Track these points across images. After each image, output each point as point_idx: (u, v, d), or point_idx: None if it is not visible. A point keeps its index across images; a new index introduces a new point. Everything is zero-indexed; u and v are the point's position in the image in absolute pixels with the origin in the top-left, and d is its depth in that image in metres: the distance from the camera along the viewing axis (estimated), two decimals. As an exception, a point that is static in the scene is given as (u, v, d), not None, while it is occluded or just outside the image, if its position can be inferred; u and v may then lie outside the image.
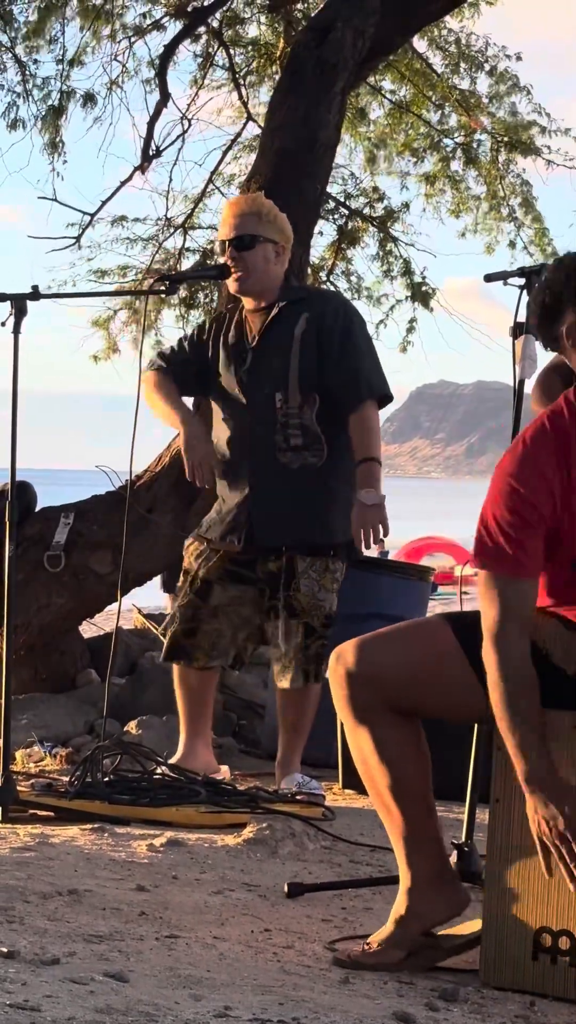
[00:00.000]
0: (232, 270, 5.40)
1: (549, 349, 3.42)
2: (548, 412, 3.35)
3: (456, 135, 11.20)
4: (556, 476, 3.26)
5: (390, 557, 22.25)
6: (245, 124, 10.43)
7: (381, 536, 5.33)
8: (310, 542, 5.40)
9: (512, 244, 11.61)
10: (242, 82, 10.24)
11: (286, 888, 4.04)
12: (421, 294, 11.43)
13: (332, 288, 10.91)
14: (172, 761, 5.43)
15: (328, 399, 5.37)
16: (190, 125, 10.27)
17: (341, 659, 3.43)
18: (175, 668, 5.61)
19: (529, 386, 4.26)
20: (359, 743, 3.44)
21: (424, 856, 3.46)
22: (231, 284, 5.47)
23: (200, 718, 5.59)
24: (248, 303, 5.51)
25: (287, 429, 5.37)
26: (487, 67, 11.09)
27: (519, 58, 11.22)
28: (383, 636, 3.45)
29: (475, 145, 11.22)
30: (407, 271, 11.45)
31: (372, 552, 6.22)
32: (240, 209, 5.48)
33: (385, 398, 5.46)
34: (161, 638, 6.31)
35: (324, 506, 5.40)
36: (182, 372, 5.57)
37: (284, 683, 5.40)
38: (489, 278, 4.16)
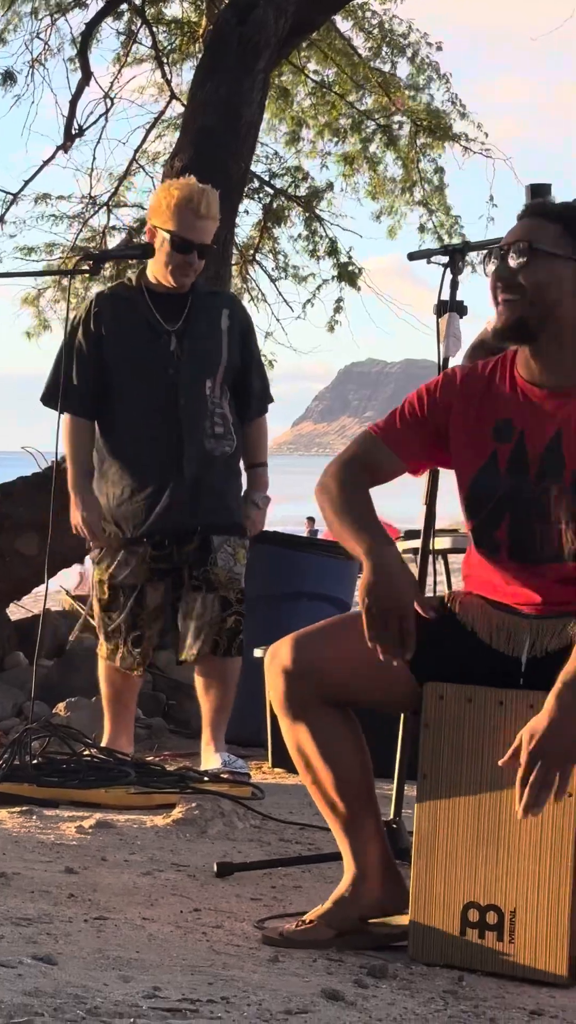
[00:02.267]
0: (180, 274, 5.39)
1: None
2: (500, 356, 3.48)
3: (377, 117, 11.22)
4: (467, 401, 3.42)
5: (320, 535, 22.30)
6: (168, 102, 10.40)
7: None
8: (227, 522, 5.52)
9: (422, 228, 11.65)
10: (165, 60, 10.20)
11: (215, 868, 4.04)
12: (348, 274, 11.45)
13: (259, 267, 10.89)
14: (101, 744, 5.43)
15: (236, 396, 5.58)
16: (113, 103, 10.22)
17: (277, 656, 3.42)
18: (103, 662, 5.60)
19: (454, 363, 4.28)
20: (298, 740, 3.44)
21: (368, 849, 3.48)
22: (174, 280, 5.41)
23: (124, 711, 5.62)
24: (159, 287, 5.48)
25: (213, 416, 5.45)
26: (409, 52, 11.11)
27: (439, 48, 11.25)
28: (317, 631, 3.46)
29: (396, 127, 11.25)
30: (333, 251, 11.46)
31: (302, 530, 6.30)
32: (211, 213, 5.44)
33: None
34: (90, 620, 6.30)
35: (236, 490, 5.61)
36: (90, 402, 5.54)
37: (193, 651, 5.42)
38: (412, 256, 4.16)
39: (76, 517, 5.54)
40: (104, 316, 5.48)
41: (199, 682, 5.50)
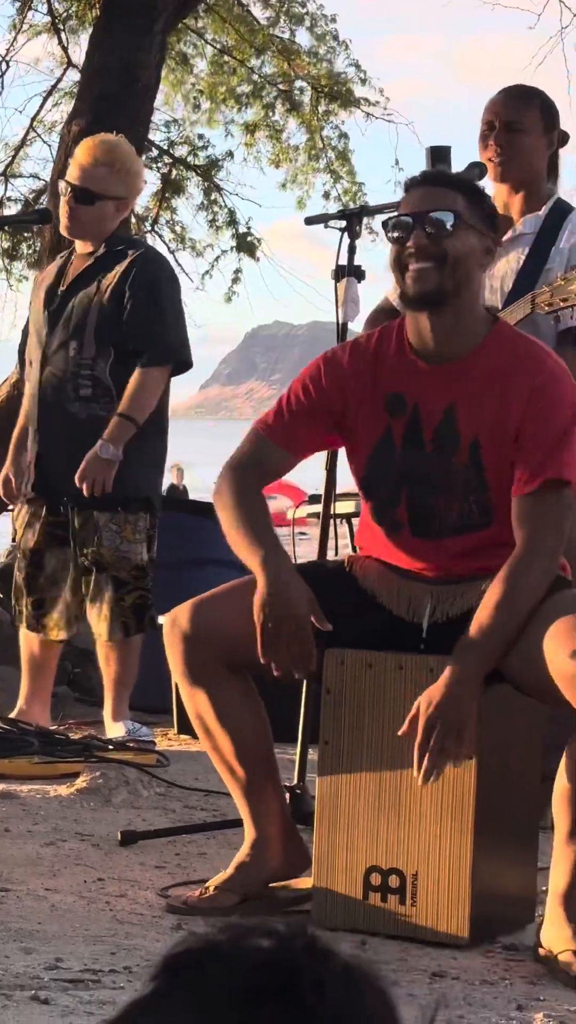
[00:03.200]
0: (64, 216, 5.31)
1: None
2: (384, 327, 3.47)
3: (278, 82, 11.17)
4: (359, 379, 3.39)
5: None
6: (65, 70, 10.28)
7: (98, 493, 5.21)
8: (111, 496, 5.26)
9: (327, 195, 11.62)
10: (62, 27, 10.08)
11: (119, 836, 4.03)
12: (246, 244, 11.40)
13: (156, 239, 10.82)
14: (11, 716, 5.38)
15: (123, 353, 5.27)
16: (7, 68, 10.09)
17: (176, 622, 3.41)
18: (22, 631, 5.56)
19: (353, 328, 4.27)
20: (197, 706, 3.43)
21: (268, 813, 3.49)
22: (62, 221, 5.37)
23: (41, 680, 5.56)
24: (79, 247, 5.43)
25: (77, 379, 5.26)
26: (307, 22, 11.07)
27: (334, 20, 11.22)
28: (217, 596, 3.45)
29: (297, 93, 11.21)
30: (232, 221, 11.40)
31: (209, 496, 6.16)
32: (94, 157, 5.31)
33: (183, 364, 5.39)
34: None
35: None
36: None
37: (103, 636, 5.37)
38: (310, 221, 4.15)
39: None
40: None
41: (100, 652, 5.47)
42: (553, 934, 3.15)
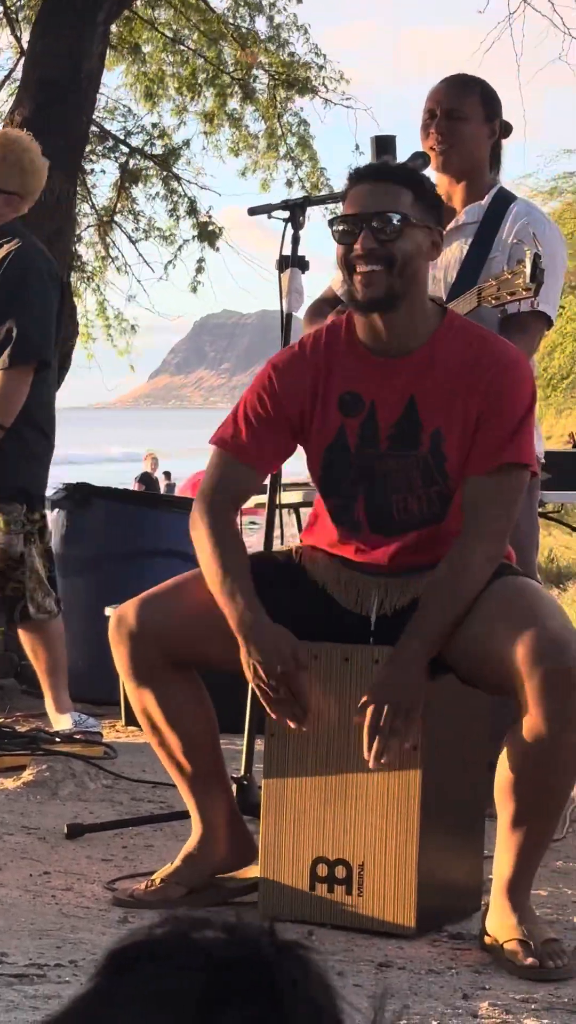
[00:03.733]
0: None
1: None
2: (330, 323, 3.45)
3: (233, 71, 11.13)
4: (312, 381, 3.36)
5: (177, 489, 22.22)
6: (19, 61, 10.22)
7: None
8: None
9: (289, 183, 11.61)
10: (15, 18, 10.02)
11: (66, 829, 4.02)
12: (208, 233, 11.38)
13: (119, 229, 10.79)
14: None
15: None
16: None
17: (122, 620, 3.40)
18: None
19: (298, 319, 4.26)
20: (144, 703, 3.43)
21: (215, 807, 3.49)
22: None
23: None
24: None
25: None
26: (267, 10, 11.04)
27: (300, 0, 11.19)
28: (161, 593, 3.44)
29: (252, 82, 11.18)
30: (193, 210, 11.38)
31: (160, 486, 6.13)
32: None
33: (43, 364, 5.26)
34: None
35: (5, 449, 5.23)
36: None
37: None
38: (253, 211, 4.13)
39: None
40: None
41: (26, 649, 5.45)
42: (498, 922, 3.16)
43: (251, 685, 3.29)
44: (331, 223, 3.35)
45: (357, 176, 3.35)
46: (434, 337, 3.32)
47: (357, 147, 11.50)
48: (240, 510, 3.48)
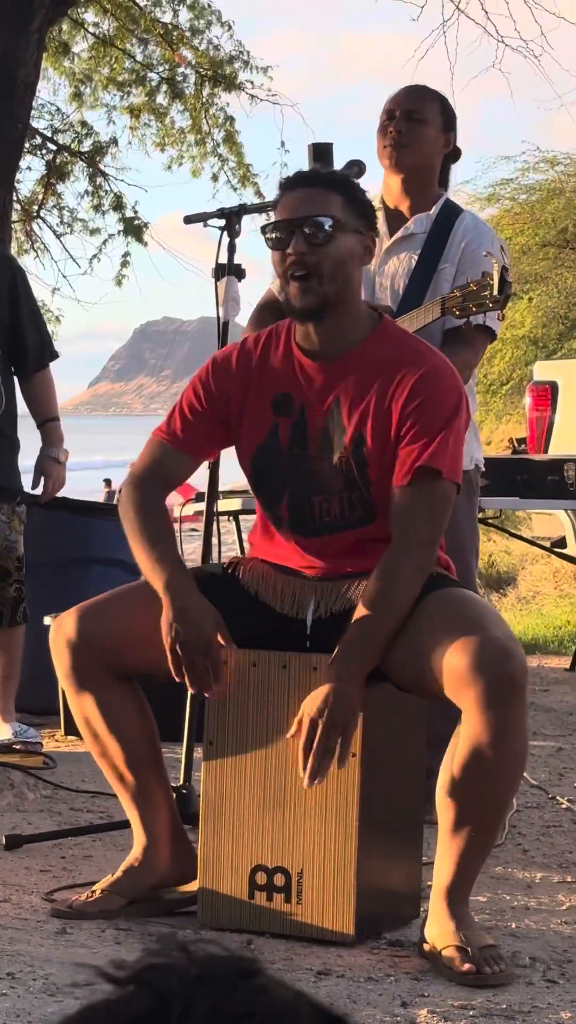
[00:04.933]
0: None
1: None
2: (272, 328, 3.46)
3: (160, 69, 11.14)
4: (247, 379, 3.39)
5: (117, 497, 22.12)
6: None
7: (57, 493, 5.55)
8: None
9: (215, 177, 11.62)
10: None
11: (3, 840, 4.00)
12: (133, 228, 11.38)
13: (43, 223, 10.76)
14: None
15: (12, 354, 5.30)
16: None
17: (61, 628, 3.40)
18: None
19: (239, 323, 4.27)
20: (84, 711, 3.42)
21: (157, 817, 3.48)
22: None
23: None
24: None
25: None
26: (188, 1, 11.05)
27: (213, -1, 11.22)
28: (102, 602, 3.44)
29: (180, 79, 11.19)
30: (119, 205, 11.37)
31: (100, 494, 6.15)
32: None
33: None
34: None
35: (6, 453, 5.33)
36: None
37: None
38: (189, 220, 4.12)
39: None
40: None
41: None
42: (437, 929, 3.17)
43: (171, 646, 3.27)
44: (264, 229, 3.36)
45: (288, 183, 3.37)
46: (365, 342, 3.33)
47: (283, 144, 11.54)
48: (180, 518, 3.50)
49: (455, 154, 4.43)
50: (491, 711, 3.06)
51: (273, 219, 3.36)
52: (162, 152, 11.47)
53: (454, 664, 3.08)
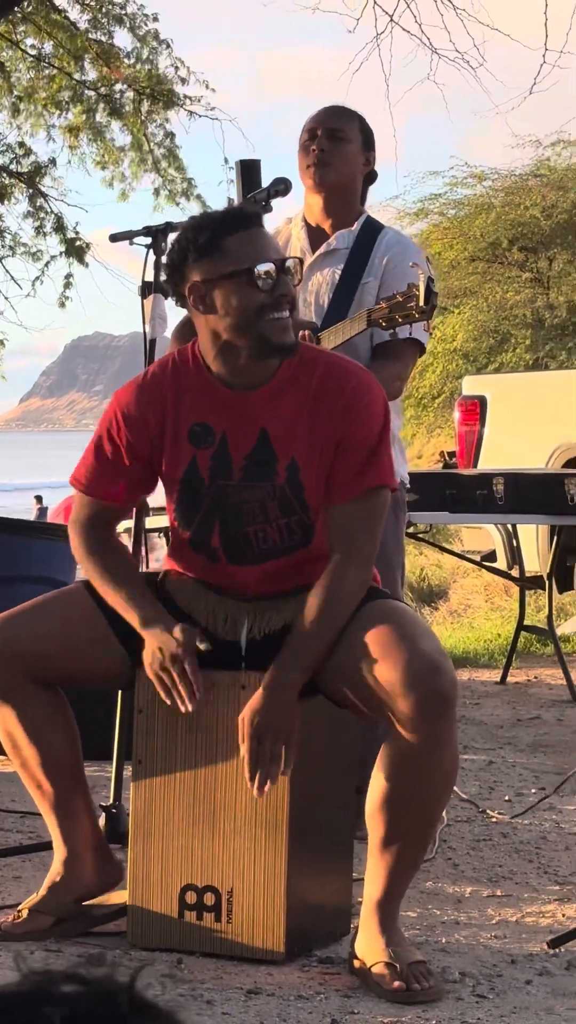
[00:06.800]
0: None
1: (178, 305, 3.45)
2: (177, 352, 3.43)
3: (99, 87, 11.13)
4: (161, 414, 3.35)
5: (49, 513, 22.05)
6: None
7: None
8: None
9: (156, 192, 11.61)
10: None
11: None
12: (75, 249, 11.35)
13: None
14: None
15: None
16: None
17: None
18: None
19: (162, 343, 4.26)
20: (5, 722, 3.40)
21: (78, 828, 3.46)
22: None
23: None
24: None
25: None
26: (127, 23, 11.05)
27: (156, 19, 11.22)
28: (23, 611, 3.42)
29: (118, 96, 11.19)
30: (60, 226, 11.34)
31: (31, 511, 6.15)
32: None
33: None
34: None
35: None
36: None
37: None
38: (115, 238, 4.12)
39: None
40: None
41: None
42: (367, 945, 3.17)
43: (153, 674, 3.26)
44: (254, 273, 3.26)
45: (250, 221, 3.32)
46: (283, 368, 3.32)
47: (226, 161, 11.54)
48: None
49: (372, 176, 4.46)
50: (421, 726, 3.08)
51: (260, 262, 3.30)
52: (102, 171, 11.47)
53: (384, 679, 3.09)
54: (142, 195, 11.84)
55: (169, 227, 4.08)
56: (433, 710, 3.08)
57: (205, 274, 3.26)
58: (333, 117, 4.38)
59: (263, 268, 3.23)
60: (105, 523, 3.45)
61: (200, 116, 11.39)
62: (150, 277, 4.07)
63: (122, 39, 11.40)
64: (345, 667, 3.18)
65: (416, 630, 3.18)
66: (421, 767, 3.10)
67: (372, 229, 4.37)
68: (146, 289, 4.08)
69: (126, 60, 11.14)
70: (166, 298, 4.12)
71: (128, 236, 4.09)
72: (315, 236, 4.37)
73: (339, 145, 4.32)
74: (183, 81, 11.32)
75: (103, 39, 11.10)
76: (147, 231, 4.08)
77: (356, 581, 3.23)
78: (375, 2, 10.81)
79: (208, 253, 3.26)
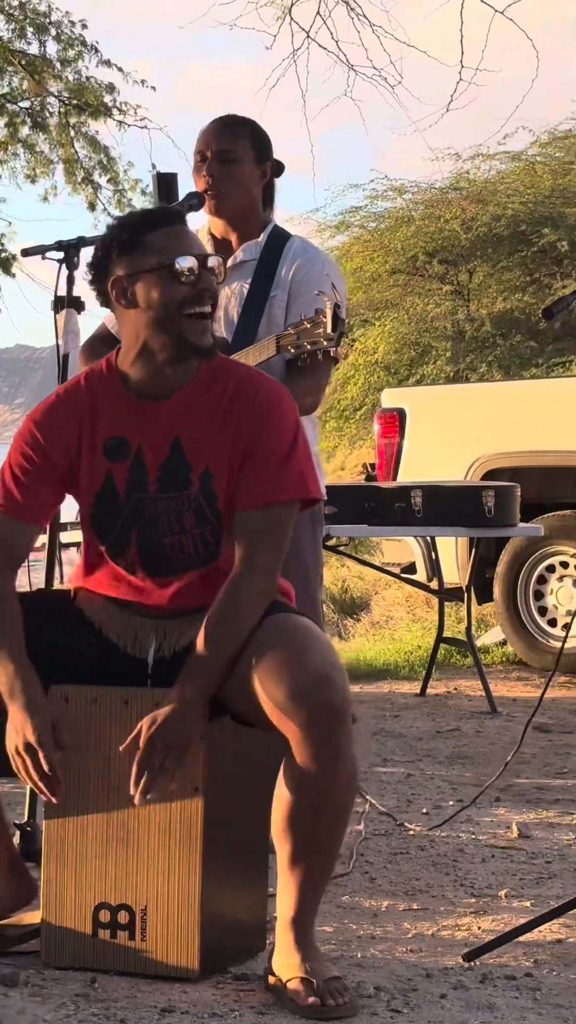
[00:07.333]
0: None
1: (102, 304, 3.44)
2: (88, 369, 3.43)
3: (19, 100, 11.09)
4: (77, 430, 3.35)
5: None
6: None
7: None
8: None
9: (92, 206, 11.58)
10: None
11: None
12: (1, 261, 11.30)
13: None
14: None
15: None
16: None
17: None
18: None
19: (75, 357, 4.24)
20: None
21: None
22: None
23: None
24: None
25: None
26: (53, 32, 11.02)
27: (84, 26, 11.19)
28: None
29: (39, 109, 11.15)
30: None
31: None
32: None
33: None
34: None
35: None
36: None
37: None
38: (27, 252, 4.11)
39: None
40: None
41: None
42: (282, 961, 3.16)
43: (10, 752, 3.23)
44: (173, 268, 3.26)
45: (172, 219, 3.33)
46: (196, 378, 3.32)
47: (153, 167, 11.54)
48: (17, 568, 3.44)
49: (278, 169, 4.40)
50: (315, 740, 3.07)
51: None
52: (33, 184, 11.42)
53: (273, 694, 3.09)
54: (78, 209, 11.84)
55: (81, 241, 4.07)
56: (324, 723, 3.07)
57: (128, 268, 3.29)
58: (222, 137, 4.29)
59: (185, 263, 3.25)
60: (12, 556, 3.37)
61: (130, 126, 11.36)
62: (63, 291, 4.05)
63: (50, 47, 11.34)
64: (243, 683, 3.16)
65: (307, 644, 3.14)
66: (320, 780, 3.09)
67: (279, 239, 4.34)
68: (59, 304, 4.07)
69: (51, 70, 11.09)
70: (79, 312, 4.12)
71: (40, 251, 4.08)
72: (221, 249, 4.34)
73: (229, 168, 4.26)
74: (110, 91, 11.29)
75: (25, 48, 11.06)
76: (59, 246, 4.07)
77: (257, 593, 3.22)
78: (291, 19, 10.84)
79: (131, 249, 3.29)
